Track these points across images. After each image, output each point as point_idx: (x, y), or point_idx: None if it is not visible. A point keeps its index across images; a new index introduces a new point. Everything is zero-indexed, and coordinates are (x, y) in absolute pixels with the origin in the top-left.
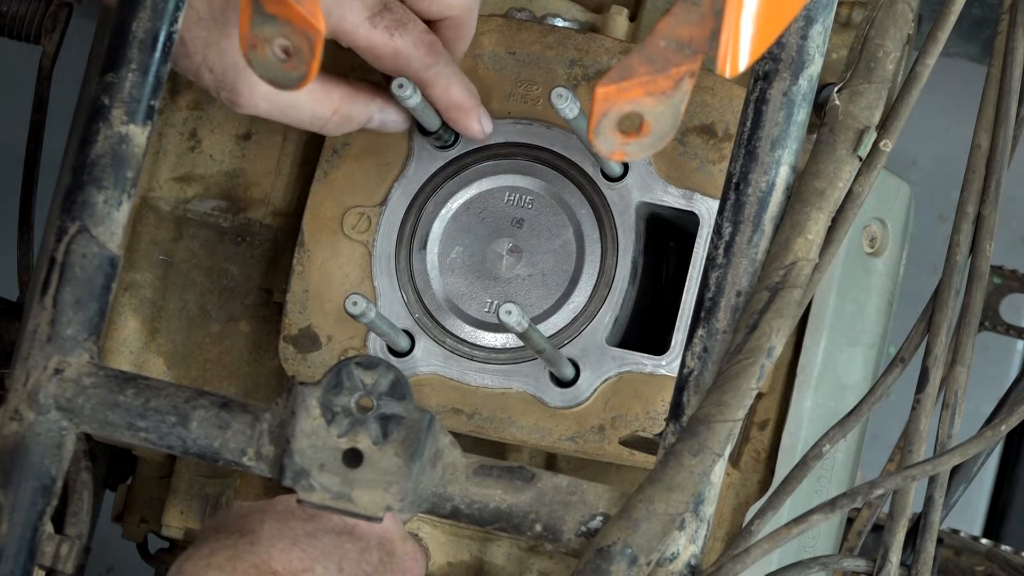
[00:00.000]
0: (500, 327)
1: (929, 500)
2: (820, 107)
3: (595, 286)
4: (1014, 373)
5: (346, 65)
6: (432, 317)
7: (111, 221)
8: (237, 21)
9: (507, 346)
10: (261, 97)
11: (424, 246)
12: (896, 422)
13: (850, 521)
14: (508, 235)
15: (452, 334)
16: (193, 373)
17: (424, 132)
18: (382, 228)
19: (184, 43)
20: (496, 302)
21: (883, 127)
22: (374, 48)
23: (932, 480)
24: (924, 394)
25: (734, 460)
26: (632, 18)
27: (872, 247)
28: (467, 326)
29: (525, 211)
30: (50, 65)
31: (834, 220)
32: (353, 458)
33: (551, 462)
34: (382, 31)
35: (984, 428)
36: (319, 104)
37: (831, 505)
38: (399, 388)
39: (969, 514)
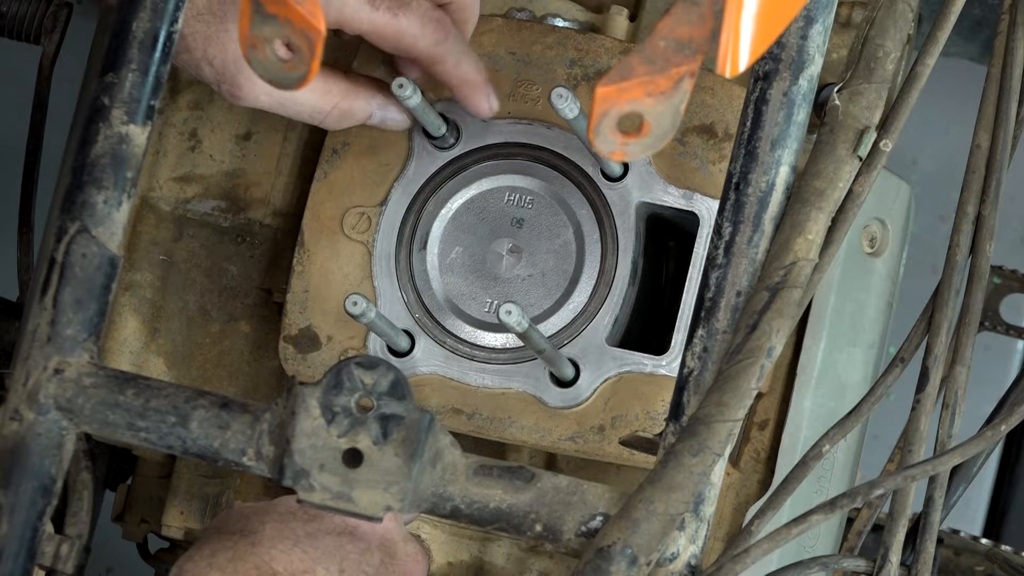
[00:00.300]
0: (500, 327)
1: (929, 500)
2: (820, 107)
3: (595, 286)
4: (1014, 373)
5: (349, 61)
6: (432, 317)
7: (111, 221)
8: (236, 15)
9: (507, 346)
10: (262, 90)
11: (424, 246)
12: (896, 422)
13: (850, 521)
14: (508, 235)
15: (452, 334)
16: (193, 373)
17: (425, 133)
18: (382, 228)
19: (184, 37)
20: (496, 302)
21: (883, 127)
22: (378, 30)
23: (932, 480)
24: (924, 394)
25: (734, 460)
26: (632, 18)
27: (872, 247)
28: (467, 326)
29: (525, 211)
30: (50, 65)
31: (834, 220)
32: (353, 458)
33: (551, 462)
34: (384, 12)
35: (984, 428)
36: (319, 98)
37: (831, 505)
38: (399, 388)
39: (969, 514)
